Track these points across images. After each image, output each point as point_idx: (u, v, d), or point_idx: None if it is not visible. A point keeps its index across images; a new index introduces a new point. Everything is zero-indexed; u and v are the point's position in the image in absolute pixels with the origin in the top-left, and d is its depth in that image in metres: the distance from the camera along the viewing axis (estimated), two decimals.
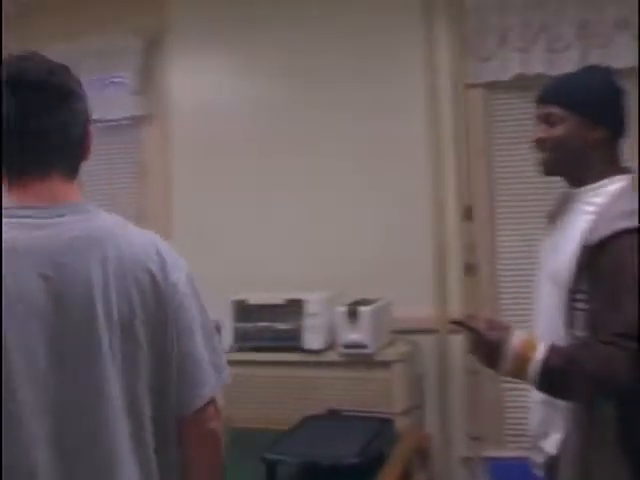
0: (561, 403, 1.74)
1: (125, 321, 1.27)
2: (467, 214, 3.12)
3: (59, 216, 1.28)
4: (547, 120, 1.85)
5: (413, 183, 3.20)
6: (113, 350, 1.25)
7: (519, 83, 2.98)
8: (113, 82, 3.52)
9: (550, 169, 1.89)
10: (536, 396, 1.83)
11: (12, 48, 3.43)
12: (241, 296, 3.06)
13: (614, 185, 1.77)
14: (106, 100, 3.52)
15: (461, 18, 3.09)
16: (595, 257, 1.64)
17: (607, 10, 2.85)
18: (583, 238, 1.67)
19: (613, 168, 1.81)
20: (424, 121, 3.18)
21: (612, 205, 1.71)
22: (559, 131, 1.82)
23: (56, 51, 3.40)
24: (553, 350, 1.61)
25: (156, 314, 1.31)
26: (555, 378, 1.62)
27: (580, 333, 1.67)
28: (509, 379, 1.92)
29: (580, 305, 1.68)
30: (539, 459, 1.89)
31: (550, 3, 2.92)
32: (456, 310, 3.12)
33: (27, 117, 1.29)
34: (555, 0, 2.91)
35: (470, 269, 3.12)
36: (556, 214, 1.95)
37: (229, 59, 3.52)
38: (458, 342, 3.10)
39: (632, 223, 1.61)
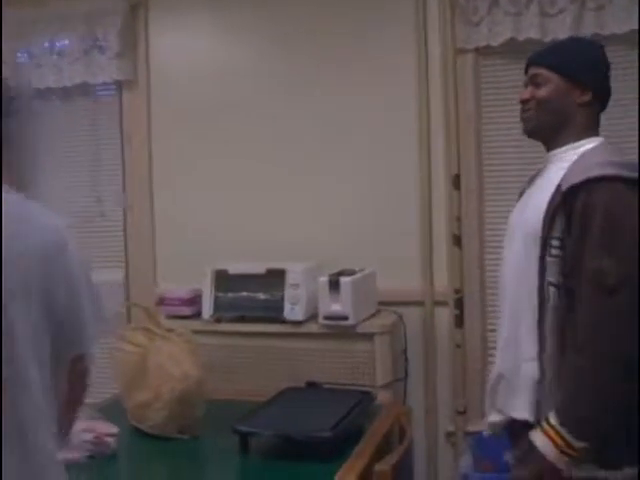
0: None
1: (31, 285, 1.43)
2: (454, 183, 3.03)
3: None
4: (534, 81, 1.90)
5: (400, 150, 3.11)
6: (24, 306, 1.42)
7: (510, 48, 2.88)
8: (96, 45, 3.42)
9: (532, 128, 1.93)
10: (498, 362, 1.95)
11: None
12: (222, 265, 3.01)
13: (590, 144, 1.83)
14: (90, 65, 3.44)
15: None
16: (568, 202, 1.70)
17: None
18: (556, 187, 1.73)
19: (590, 132, 1.87)
20: (413, 86, 3.08)
21: (586, 157, 1.78)
22: (544, 91, 1.87)
23: (38, 13, 3.43)
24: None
25: (53, 279, 1.46)
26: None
27: (553, 279, 1.73)
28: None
29: (553, 251, 1.74)
30: (497, 418, 1.92)
31: None
32: (443, 282, 3.07)
33: None
34: None
35: (457, 240, 3.04)
36: (528, 186, 2.00)
37: (213, 23, 3.41)
38: (444, 315, 3.07)
39: (605, 171, 1.68)
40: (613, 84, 1.93)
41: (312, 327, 2.84)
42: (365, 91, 3.15)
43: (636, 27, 2.69)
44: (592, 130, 1.87)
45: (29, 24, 3.46)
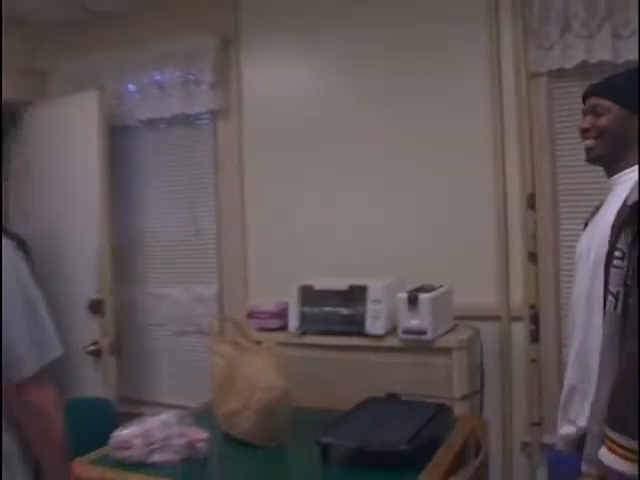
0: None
1: None
2: (530, 203, 2.97)
3: None
4: (593, 111, 1.95)
5: (477, 171, 3.06)
6: None
7: (582, 71, 2.79)
8: (192, 79, 3.54)
9: (594, 156, 1.98)
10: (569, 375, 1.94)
11: (109, 47, 3.64)
12: (308, 282, 3.02)
13: None
14: (186, 96, 3.55)
15: (524, 7, 2.91)
16: (633, 216, 1.65)
17: None
18: (622, 202, 1.71)
19: None
20: (488, 110, 3.03)
21: None
22: (605, 120, 1.91)
23: (142, 51, 3.56)
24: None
25: None
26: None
27: (614, 289, 1.68)
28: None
29: (616, 262, 1.70)
30: (570, 430, 1.91)
31: None
32: (519, 297, 3.00)
33: None
34: None
35: (532, 257, 2.96)
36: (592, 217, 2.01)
37: (297, 56, 3.48)
38: (520, 329, 3.00)
39: None
40: None
41: (392, 341, 2.82)
42: (442, 114, 3.13)
43: None
44: None
45: (134, 62, 3.63)
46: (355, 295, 2.90)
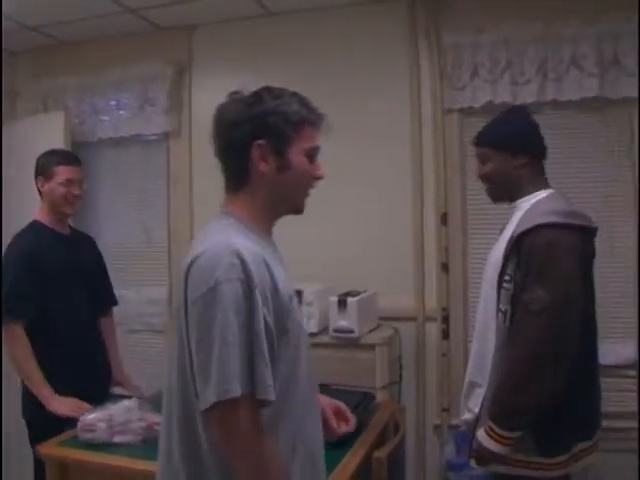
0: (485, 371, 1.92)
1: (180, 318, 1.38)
2: (443, 220, 3.16)
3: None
4: (479, 160, 2.03)
5: (398, 193, 3.25)
6: (177, 343, 1.38)
7: (488, 109, 3.00)
8: (149, 103, 3.60)
9: (493, 197, 2.07)
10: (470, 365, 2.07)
11: (74, 72, 3.66)
12: None
13: (541, 196, 1.92)
14: (143, 119, 3.61)
15: (441, 54, 3.14)
16: (517, 247, 1.81)
17: (562, 51, 2.89)
18: (511, 234, 1.86)
19: (540, 184, 1.96)
20: (409, 140, 3.23)
21: (534, 208, 1.88)
22: (488, 167, 2.00)
23: (102, 76, 3.61)
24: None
25: (185, 317, 1.34)
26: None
27: (504, 307, 1.84)
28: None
29: (505, 285, 1.85)
30: (469, 416, 2.03)
31: (514, 44, 2.96)
32: (432, 301, 3.19)
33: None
34: (519, 41, 2.95)
35: (444, 267, 3.16)
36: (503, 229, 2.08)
37: (242, 83, 3.51)
38: (433, 328, 3.19)
39: (545, 220, 1.77)
40: (570, 142, 2.15)
41: (324, 338, 2.93)
42: (370, 143, 3.28)
43: (588, 95, 2.84)
44: (540, 182, 1.96)
45: (96, 86, 3.65)
46: None
